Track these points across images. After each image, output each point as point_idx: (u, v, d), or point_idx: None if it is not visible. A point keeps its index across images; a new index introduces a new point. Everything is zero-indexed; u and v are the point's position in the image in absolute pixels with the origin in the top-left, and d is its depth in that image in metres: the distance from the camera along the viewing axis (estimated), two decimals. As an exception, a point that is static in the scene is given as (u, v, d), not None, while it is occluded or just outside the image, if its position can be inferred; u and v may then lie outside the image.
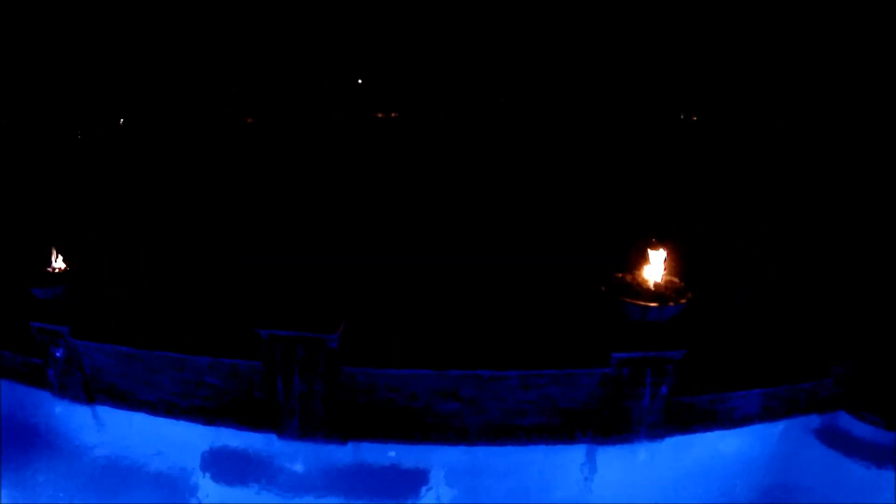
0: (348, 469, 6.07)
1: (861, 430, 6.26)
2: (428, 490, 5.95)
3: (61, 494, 6.79)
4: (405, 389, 5.96)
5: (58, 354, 6.93)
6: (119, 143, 7.92)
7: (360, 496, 5.88)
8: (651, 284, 5.95)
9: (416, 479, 5.95)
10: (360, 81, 6.82)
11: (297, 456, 6.12)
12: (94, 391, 6.97)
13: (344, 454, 6.10)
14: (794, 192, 7.61)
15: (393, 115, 6.96)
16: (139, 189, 8.12)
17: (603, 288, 5.92)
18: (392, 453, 5.99)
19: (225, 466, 6.22)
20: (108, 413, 7.03)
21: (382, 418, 6.10)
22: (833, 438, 6.36)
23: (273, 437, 6.18)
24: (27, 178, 8.22)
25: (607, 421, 6.06)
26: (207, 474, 6.23)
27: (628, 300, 5.81)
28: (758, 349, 6.53)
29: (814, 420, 6.45)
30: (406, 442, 6.03)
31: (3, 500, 6.50)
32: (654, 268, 6.01)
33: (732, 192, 7.59)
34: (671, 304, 5.86)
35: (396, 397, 5.98)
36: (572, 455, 6.13)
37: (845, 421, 6.39)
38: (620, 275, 6.00)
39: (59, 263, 7.01)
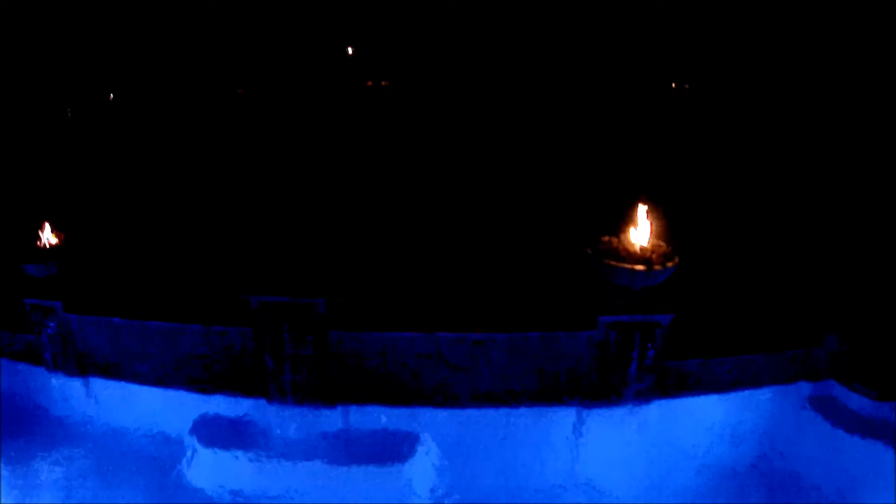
0: (339, 434, 6.13)
1: (852, 400, 6.21)
2: (417, 454, 5.99)
3: (57, 467, 6.86)
4: (393, 354, 5.99)
5: (51, 330, 6.99)
6: (108, 117, 7.97)
7: (350, 461, 5.93)
8: (638, 248, 5.94)
9: (406, 443, 5.99)
10: (350, 50, 6.75)
11: (287, 422, 6.17)
12: (87, 364, 7.02)
13: (334, 419, 6.16)
14: (793, 157, 7.50)
15: (383, 83, 6.96)
16: (129, 161, 8.14)
17: (589, 251, 5.92)
18: (382, 418, 6.07)
19: (217, 433, 6.27)
20: (101, 385, 7.08)
21: (371, 382, 6.14)
22: (824, 407, 6.32)
23: (264, 403, 6.26)
24: (16, 156, 8.26)
25: (596, 384, 6.08)
26: (199, 441, 6.28)
27: (615, 263, 5.81)
28: (750, 315, 6.53)
29: (805, 388, 6.44)
30: (395, 405, 6.09)
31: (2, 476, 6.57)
32: (642, 231, 6.00)
33: (728, 156, 7.52)
34: (658, 267, 5.87)
35: (385, 361, 6.02)
36: (562, 418, 6.17)
37: (836, 390, 6.36)
38: (607, 238, 6.00)
39: (50, 239, 7.04)
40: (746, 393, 6.46)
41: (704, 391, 6.37)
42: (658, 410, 6.30)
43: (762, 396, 6.50)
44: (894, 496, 5.53)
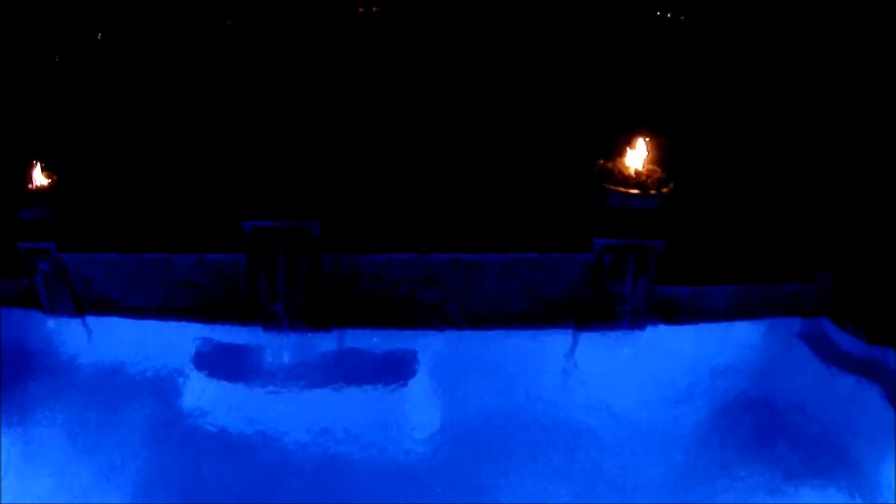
0: (334, 359, 6.19)
1: (844, 339, 6.16)
2: (413, 377, 6.07)
3: (56, 410, 6.91)
4: (388, 276, 6.01)
5: (46, 271, 6.98)
6: (96, 55, 7.88)
7: (346, 385, 6.00)
8: (633, 172, 5.95)
9: (402, 367, 6.07)
10: None
11: (283, 348, 6.21)
12: (83, 304, 7.02)
13: (329, 344, 6.22)
14: (794, 89, 7.37)
15: (374, 9, 6.88)
16: (118, 96, 8.07)
17: (585, 174, 5.92)
18: (376, 340, 6.12)
19: (214, 363, 6.32)
20: (98, 324, 7.10)
21: (366, 306, 6.17)
22: (816, 345, 6.31)
23: (259, 330, 6.28)
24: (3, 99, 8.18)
25: (590, 308, 6.13)
26: (197, 372, 6.34)
27: (610, 186, 5.82)
28: (744, 246, 6.52)
29: (797, 323, 6.45)
30: (390, 328, 6.14)
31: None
32: (638, 156, 6.00)
33: (727, 87, 7.41)
34: (653, 192, 5.88)
35: (379, 284, 6.04)
36: (556, 342, 6.24)
37: (829, 328, 6.35)
38: (603, 161, 5.99)
39: (42, 180, 6.99)
40: (740, 324, 6.48)
41: (698, 320, 6.40)
42: (652, 337, 6.36)
43: (755, 329, 6.52)
44: (884, 440, 5.57)
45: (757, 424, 6.36)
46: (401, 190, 6.85)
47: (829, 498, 5.67)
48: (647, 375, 6.37)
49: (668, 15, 7.07)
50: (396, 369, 6.03)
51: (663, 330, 6.35)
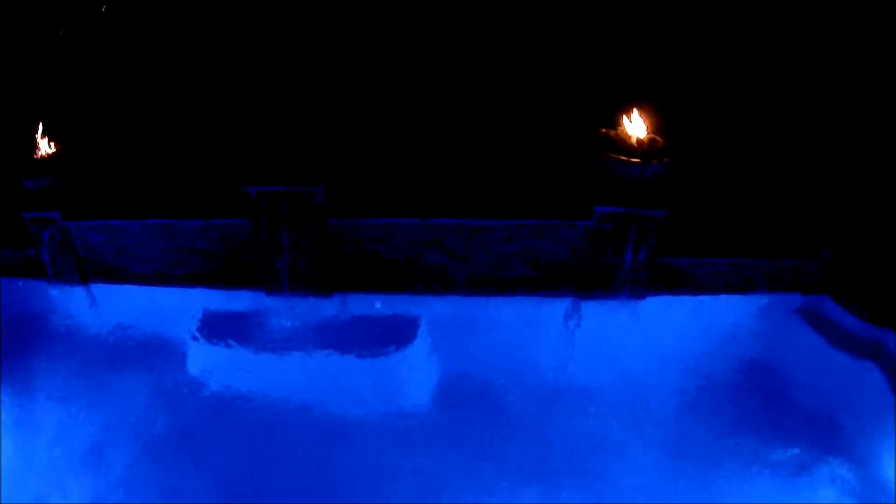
0: (337, 324, 6.24)
1: (844, 318, 6.16)
2: (414, 343, 6.11)
3: (61, 377, 6.97)
4: (391, 240, 6.05)
5: (51, 240, 7.02)
6: (100, 27, 7.88)
7: (349, 350, 6.04)
8: (635, 141, 5.96)
9: (404, 332, 6.11)
10: None
11: (287, 313, 6.28)
12: (88, 272, 7.08)
13: (332, 309, 6.27)
14: (798, 63, 7.31)
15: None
16: (122, 65, 8.07)
17: (587, 142, 5.93)
18: (378, 305, 6.16)
19: (217, 329, 6.37)
20: (103, 291, 7.15)
21: (369, 271, 6.22)
22: (816, 322, 6.32)
23: (263, 295, 6.35)
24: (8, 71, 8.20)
25: (591, 276, 6.17)
26: (201, 338, 6.39)
27: (612, 155, 5.84)
28: (747, 221, 6.50)
29: (798, 300, 6.46)
30: (393, 293, 6.20)
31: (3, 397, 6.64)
32: (639, 125, 6.01)
33: (729, 55, 7.37)
34: (654, 161, 5.90)
35: (382, 249, 6.08)
36: (557, 310, 6.28)
37: (829, 306, 6.36)
38: (605, 130, 6.00)
39: (47, 150, 7.02)
40: (740, 298, 6.50)
41: (698, 291, 6.43)
42: (651, 307, 6.38)
43: (755, 303, 6.54)
44: (882, 419, 5.59)
45: (754, 398, 6.37)
46: (405, 155, 6.87)
47: (827, 471, 5.75)
48: (645, 345, 6.40)
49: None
50: (398, 334, 6.08)
51: (664, 300, 6.39)
